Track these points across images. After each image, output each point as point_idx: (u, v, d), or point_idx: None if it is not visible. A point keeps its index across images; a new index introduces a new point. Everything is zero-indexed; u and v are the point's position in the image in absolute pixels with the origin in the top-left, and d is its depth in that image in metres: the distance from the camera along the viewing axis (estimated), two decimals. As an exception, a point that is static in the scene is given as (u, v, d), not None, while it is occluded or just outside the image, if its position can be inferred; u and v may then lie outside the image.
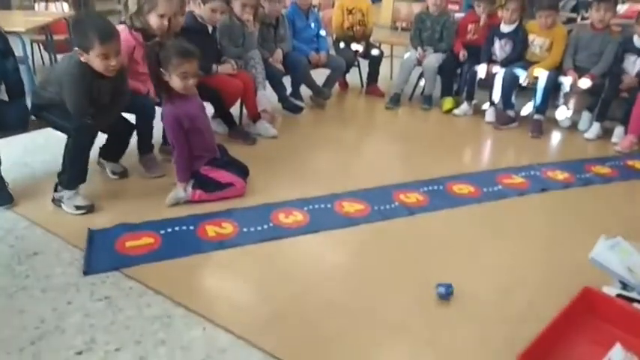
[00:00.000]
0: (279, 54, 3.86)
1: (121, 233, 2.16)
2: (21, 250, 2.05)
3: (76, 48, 2.25)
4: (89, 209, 2.36)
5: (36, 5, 5.17)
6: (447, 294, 1.83)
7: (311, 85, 4.11)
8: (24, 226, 2.23)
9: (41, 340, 1.59)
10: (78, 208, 2.35)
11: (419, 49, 4.34)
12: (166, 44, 2.44)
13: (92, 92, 2.31)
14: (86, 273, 1.91)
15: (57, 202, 2.40)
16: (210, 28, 3.30)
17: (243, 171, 2.69)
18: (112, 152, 2.76)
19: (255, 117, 3.52)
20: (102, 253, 2.02)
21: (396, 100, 4.39)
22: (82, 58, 2.24)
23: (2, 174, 2.42)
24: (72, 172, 2.36)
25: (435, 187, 2.78)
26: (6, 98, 2.44)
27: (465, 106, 4.23)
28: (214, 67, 3.28)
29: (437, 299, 1.84)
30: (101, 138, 2.61)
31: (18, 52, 3.88)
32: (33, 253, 2.03)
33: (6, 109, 2.38)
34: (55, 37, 4.63)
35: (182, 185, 2.48)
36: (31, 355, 1.53)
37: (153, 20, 2.67)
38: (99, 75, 2.29)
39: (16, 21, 3.99)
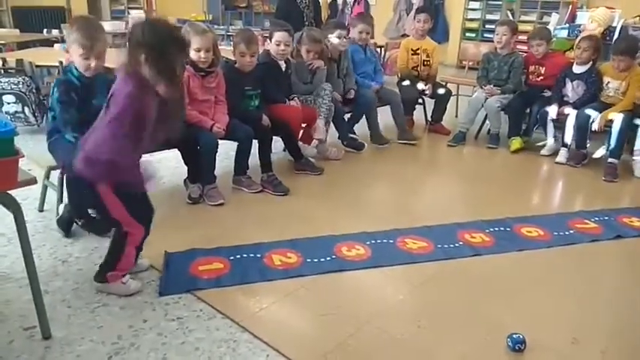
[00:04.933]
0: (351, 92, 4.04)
1: (195, 257, 2.27)
2: (104, 268, 2.21)
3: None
4: None
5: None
6: (518, 350, 1.77)
7: (373, 125, 4.17)
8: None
9: (117, 355, 1.70)
10: None
11: (489, 87, 4.32)
12: None
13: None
14: (162, 294, 2.02)
15: None
16: (283, 65, 3.49)
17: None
18: (191, 173, 2.99)
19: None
20: (177, 275, 2.14)
21: (460, 139, 4.37)
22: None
23: None
24: None
25: (502, 228, 2.73)
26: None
27: (551, 144, 4.13)
28: (286, 101, 3.46)
29: (505, 348, 1.79)
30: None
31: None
32: (114, 272, 2.18)
33: None
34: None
35: None
36: (109, 368, 1.64)
37: (192, 54, 2.84)
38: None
39: (111, 59, 4.37)
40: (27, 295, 1.80)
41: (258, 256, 2.33)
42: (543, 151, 4.14)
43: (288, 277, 2.18)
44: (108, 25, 8.26)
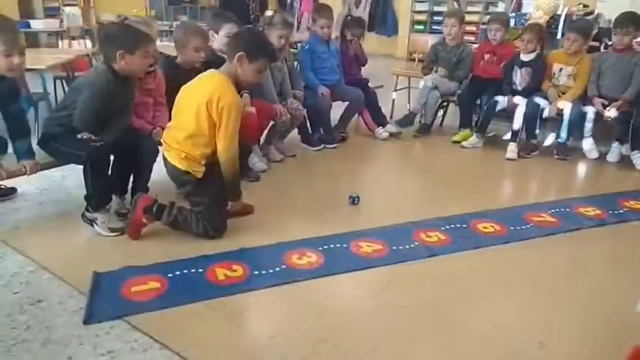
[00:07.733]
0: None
1: (127, 277, 2.05)
2: (25, 297, 1.95)
3: (120, 51, 2.33)
4: (122, 231, 2.42)
5: (60, 43, 5.29)
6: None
7: (327, 129, 4.02)
8: (30, 270, 2.13)
9: (38, 399, 1.48)
10: (112, 230, 2.43)
11: (439, 69, 4.28)
12: None
13: (114, 98, 2.40)
14: (86, 322, 1.78)
15: (87, 220, 2.48)
16: None
17: None
18: (120, 180, 2.69)
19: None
20: (106, 300, 1.91)
21: (409, 121, 4.34)
22: (122, 63, 2.35)
23: None
24: (97, 196, 2.44)
25: (458, 225, 2.64)
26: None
27: (474, 139, 4.10)
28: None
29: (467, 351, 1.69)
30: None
31: (38, 88, 3.94)
32: (37, 301, 1.92)
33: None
34: (77, 74, 4.67)
35: None
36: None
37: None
38: (123, 79, 2.44)
39: (41, 58, 4.07)
40: None
41: (200, 270, 2.13)
42: (465, 144, 4.10)
43: (235, 293, 2.00)
44: (41, 24, 7.75)
